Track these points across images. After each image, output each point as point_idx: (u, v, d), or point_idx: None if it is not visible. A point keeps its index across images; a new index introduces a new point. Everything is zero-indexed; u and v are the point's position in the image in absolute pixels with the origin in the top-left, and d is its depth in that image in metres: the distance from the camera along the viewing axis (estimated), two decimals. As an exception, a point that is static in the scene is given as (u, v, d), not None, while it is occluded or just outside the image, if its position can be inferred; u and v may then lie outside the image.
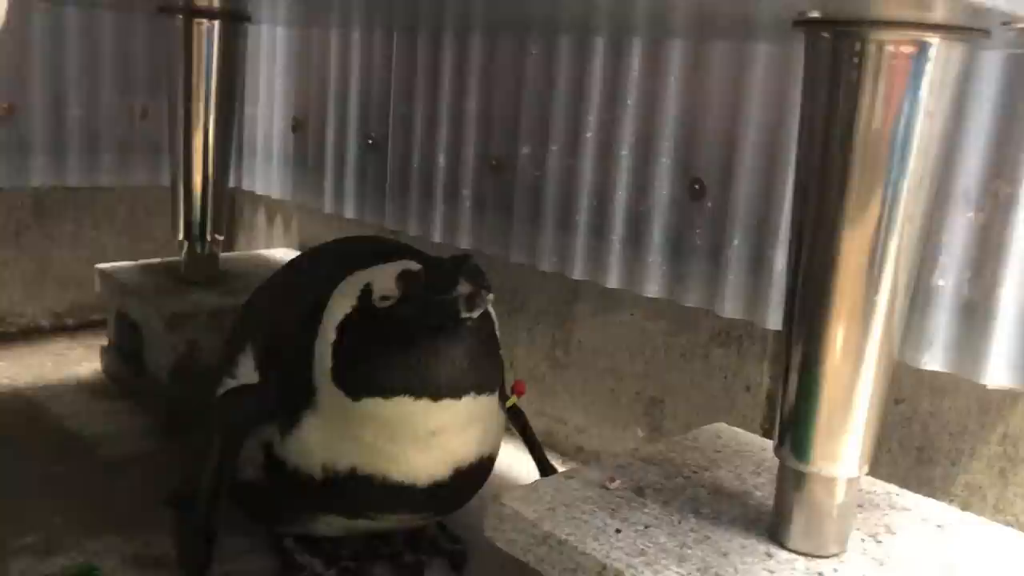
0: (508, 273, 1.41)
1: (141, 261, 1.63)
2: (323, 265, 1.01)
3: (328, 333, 0.88)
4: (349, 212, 1.62)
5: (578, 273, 1.27)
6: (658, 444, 1.00)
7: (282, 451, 0.93)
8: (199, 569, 0.98)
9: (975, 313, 0.93)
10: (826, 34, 0.70)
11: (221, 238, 1.56)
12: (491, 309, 0.91)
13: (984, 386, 0.92)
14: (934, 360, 0.96)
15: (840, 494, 0.77)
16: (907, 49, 0.68)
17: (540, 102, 1.30)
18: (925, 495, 1.00)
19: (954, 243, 0.94)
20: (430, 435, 0.86)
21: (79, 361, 1.68)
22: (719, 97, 1.12)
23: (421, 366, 0.83)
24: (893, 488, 0.93)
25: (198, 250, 1.52)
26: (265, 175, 1.82)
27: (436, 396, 0.84)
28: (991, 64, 0.91)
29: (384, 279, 0.85)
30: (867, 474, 0.95)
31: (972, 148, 0.92)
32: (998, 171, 0.91)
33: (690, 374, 1.23)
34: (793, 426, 0.76)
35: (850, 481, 0.77)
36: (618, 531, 0.79)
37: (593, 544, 0.77)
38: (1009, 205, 0.91)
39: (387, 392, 0.84)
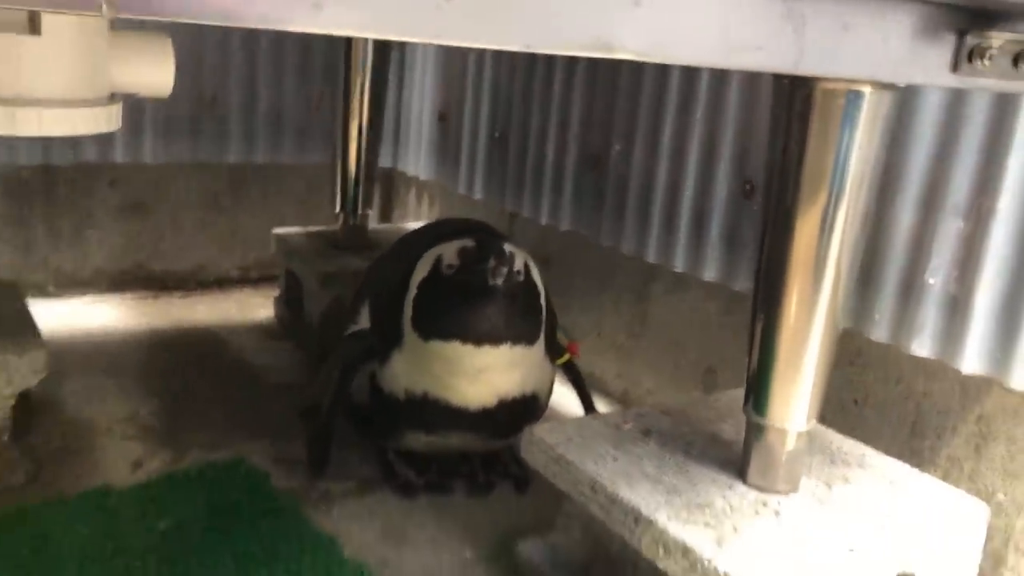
0: (600, 254, 1.63)
1: (308, 228, 1.97)
2: (420, 240, 1.28)
3: (412, 291, 1.15)
4: (478, 194, 1.89)
5: (652, 257, 1.48)
6: (681, 400, 1.21)
7: (380, 379, 1.21)
8: (319, 467, 1.28)
9: (957, 308, 1.08)
10: (785, 81, 0.89)
11: (370, 211, 1.86)
12: (538, 281, 1.15)
13: (964, 372, 1.08)
14: (922, 347, 1.12)
15: (790, 443, 0.96)
16: (843, 95, 0.86)
17: (630, 108, 1.51)
18: (914, 464, 1.17)
19: (944, 248, 1.10)
20: (477, 372, 1.12)
21: (258, 307, 2.04)
22: (767, 112, 1.30)
23: (466, 318, 1.09)
24: (869, 450, 1.10)
25: (351, 221, 1.83)
26: (415, 159, 2.12)
27: (478, 343, 1.09)
28: (981, 99, 1.05)
29: (450, 252, 1.11)
30: (864, 441, 1.14)
31: (962, 168, 1.07)
32: (982, 189, 1.06)
33: (739, 348, 1.42)
34: (755, 387, 0.96)
35: (799, 433, 0.96)
36: (615, 459, 1.02)
37: (591, 466, 1.00)
38: (989, 218, 1.05)
39: (445, 336, 1.10)
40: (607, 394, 1.68)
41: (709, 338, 1.47)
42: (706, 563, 0.84)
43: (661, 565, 0.90)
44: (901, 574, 0.91)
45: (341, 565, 1.06)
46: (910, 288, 1.13)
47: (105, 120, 0.65)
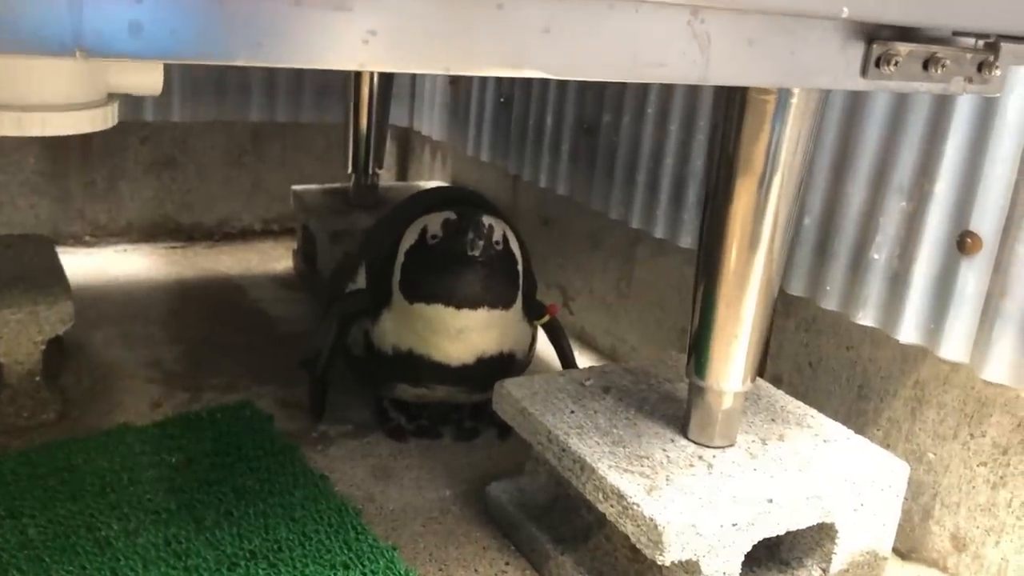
0: (592, 217, 1.73)
1: (324, 185, 2.08)
2: (410, 209, 1.39)
3: (400, 256, 1.26)
4: (484, 156, 1.99)
5: (635, 223, 1.58)
6: (643, 359, 1.32)
7: (372, 335, 1.33)
8: (317, 413, 1.41)
9: (897, 282, 1.17)
10: (725, 73, 0.98)
11: (380, 171, 1.97)
12: (516, 250, 1.26)
13: (901, 341, 1.17)
14: (867, 317, 1.21)
15: (727, 402, 1.06)
16: (774, 94, 0.94)
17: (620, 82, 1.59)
18: (859, 424, 1.27)
19: (888, 225, 1.18)
20: (457, 332, 1.23)
21: (278, 259, 2.17)
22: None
23: (447, 284, 1.20)
24: (812, 411, 1.20)
25: (362, 180, 1.94)
26: (429, 119, 2.21)
27: (459, 305, 1.21)
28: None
29: (435, 223, 1.22)
30: (816, 402, 1.24)
31: (907, 150, 1.15)
32: (924, 171, 1.14)
33: (713, 312, 1.52)
34: (695, 352, 1.06)
35: (736, 394, 1.06)
36: (572, 412, 1.13)
37: (549, 418, 1.11)
38: (929, 198, 1.13)
39: (428, 299, 1.22)
40: (596, 349, 1.79)
41: (685, 301, 1.56)
42: (635, 508, 0.96)
43: (600, 508, 1.01)
44: (818, 523, 1.01)
45: (329, 500, 1.19)
46: (858, 262, 1.22)
47: (102, 119, 0.76)
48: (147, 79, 0.78)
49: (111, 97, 0.79)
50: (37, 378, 1.31)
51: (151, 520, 1.12)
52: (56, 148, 2.05)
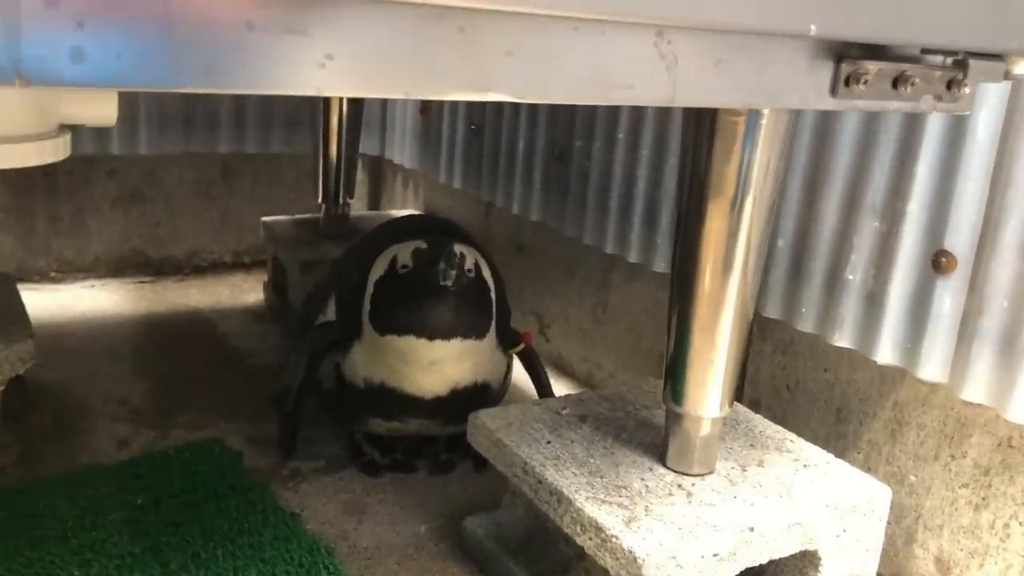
0: (567, 243, 1.71)
1: (295, 216, 2.06)
2: (381, 237, 1.36)
3: (370, 288, 1.24)
4: (456, 183, 1.97)
5: (609, 248, 1.56)
6: (620, 386, 1.29)
7: (343, 368, 1.30)
8: (288, 449, 1.38)
9: (873, 303, 1.16)
10: (694, 95, 0.97)
11: (351, 200, 1.95)
12: (488, 279, 1.24)
13: (879, 362, 1.15)
14: (843, 339, 1.19)
15: (704, 428, 1.04)
16: (743, 115, 0.93)
17: (590, 106, 1.58)
18: (839, 447, 1.25)
19: (863, 246, 1.17)
20: (430, 363, 1.21)
21: (249, 292, 2.14)
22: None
23: (419, 315, 1.18)
24: (791, 436, 1.18)
25: (332, 210, 1.92)
26: (400, 147, 2.20)
27: (431, 337, 1.18)
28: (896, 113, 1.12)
29: (405, 252, 1.20)
30: (795, 426, 1.22)
31: (879, 170, 1.14)
32: (897, 190, 1.13)
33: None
34: (671, 378, 1.04)
35: (713, 420, 1.04)
36: (548, 443, 1.11)
37: (524, 449, 1.09)
38: (903, 218, 1.12)
39: (399, 331, 1.19)
40: (573, 377, 1.77)
41: (661, 326, 1.54)
42: (613, 541, 0.93)
43: (579, 541, 0.98)
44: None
45: (300, 539, 1.16)
46: (833, 284, 1.20)
47: (52, 151, 0.73)
48: (100, 109, 0.76)
49: (63, 128, 0.76)
50: (-3, 420, 1.27)
51: (114, 566, 1.08)
52: (20, 182, 2.01)
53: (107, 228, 2.12)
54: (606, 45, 0.71)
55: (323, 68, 0.60)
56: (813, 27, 0.72)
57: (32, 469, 1.29)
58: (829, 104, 0.84)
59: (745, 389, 1.40)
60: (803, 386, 1.31)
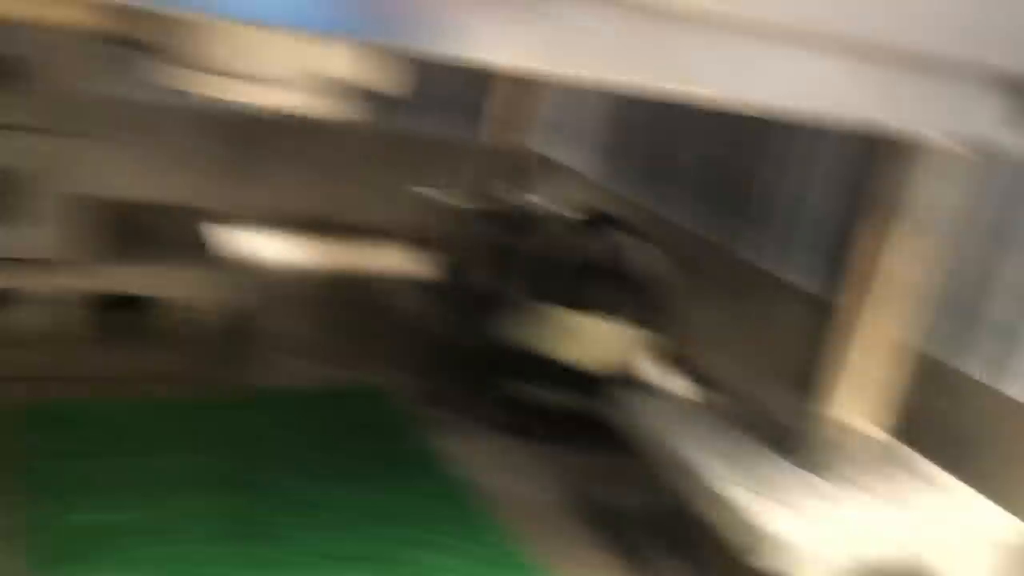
0: (718, 255, 1.75)
1: (468, 193, 2.16)
2: (549, 220, 1.46)
3: (534, 262, 1.34)
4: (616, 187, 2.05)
5: (766, 264, 1.60)
6: (764, 392, 1.34)
7: (502, 331, 1.41)
8: (441, 399, 1.49)
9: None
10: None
11: (515, 189, 2.06)
12: (653, 269, 1.32)
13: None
14: (1015, 387, 1.19)
15: (850, 439, 1.09)
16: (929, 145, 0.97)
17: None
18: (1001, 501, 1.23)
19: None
20: (585, 337, 1.30)
21: (426, 263, 2.26)
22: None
23: (583, 291, 1.27)
24: (943, 472, 1.18)
25: (505, 196, 2.03)
26: (567, 145, 2.29)
27: (591, 313, 1.28)
28: None
29: (569, 232, 1.30)
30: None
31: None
32: None
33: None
34: (819, 389, 1.09)
35: (860, 433, 1.08)
36: (694, 429, 1.17)
37: (664, 430, 1.16)
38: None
39: (563, 303, 1.31)
40: (711, 384, 1.80)
41: (802, 340, 1.56)
42: (743, 517, 1.00)
43: (709, 518, 1.05)
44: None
45: (454, 487, 1.26)
46: (1012, 332, 1.20)
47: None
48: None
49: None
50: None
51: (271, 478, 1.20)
52: (231, 136, 2.18)
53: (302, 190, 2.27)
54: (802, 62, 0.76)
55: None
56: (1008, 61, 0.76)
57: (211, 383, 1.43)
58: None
59: (903, 428, 1.40)
60: (964, 432, 1.29)
